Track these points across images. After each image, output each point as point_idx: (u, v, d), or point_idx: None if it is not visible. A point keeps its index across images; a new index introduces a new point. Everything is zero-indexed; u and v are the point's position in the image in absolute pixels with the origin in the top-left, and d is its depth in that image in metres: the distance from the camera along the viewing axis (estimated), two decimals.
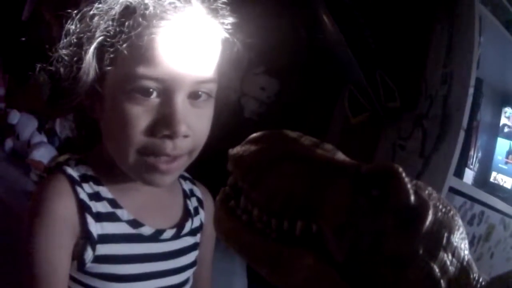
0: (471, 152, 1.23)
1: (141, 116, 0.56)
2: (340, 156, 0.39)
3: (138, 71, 0.55)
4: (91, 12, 0.57)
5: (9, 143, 1.41)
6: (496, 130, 1.43)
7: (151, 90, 0.56)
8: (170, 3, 0.57)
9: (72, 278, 0.61)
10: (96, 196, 0.62)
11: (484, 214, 1.28)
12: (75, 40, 0.58)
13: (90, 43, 0.56)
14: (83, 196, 0.60)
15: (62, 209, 0.59)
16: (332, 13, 1.11)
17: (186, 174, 0.76)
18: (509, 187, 1.42)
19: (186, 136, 0.59)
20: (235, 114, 1.20)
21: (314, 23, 1.11)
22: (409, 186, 0.35)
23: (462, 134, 1.10)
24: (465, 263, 0.36)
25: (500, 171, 1.42)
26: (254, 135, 0.41)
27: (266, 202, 0.37)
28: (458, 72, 1.14)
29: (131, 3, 0.56)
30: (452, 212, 0.37)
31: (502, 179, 1.42)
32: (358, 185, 0.35)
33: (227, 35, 0.62)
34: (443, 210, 0.36)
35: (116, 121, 0.58)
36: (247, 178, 0.38)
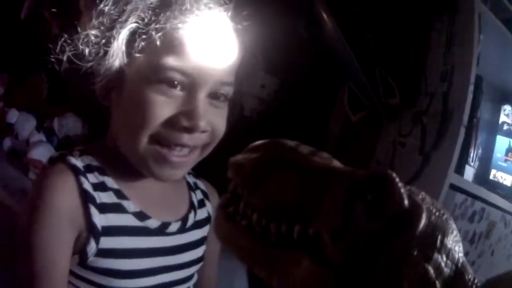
0: (471, 149, 1.23)
1: (163, 105, 0.57)
2: (336, 163, 0.41)
3: (168, 62, 0.57)
4: None
5: (7, 142, 1.40)
6: (495, 128, 1.43)
7: (176, 82, 0.58)
8: (205, 4, 0.59)
9: (73, 274, 0.59)
10: (101, 186, 0.61)
11: (484, 211, 1.27)
12: (107, 22, 0.58)
13: (123, 27, 0.57)
14: (87, 186, 0.59)
15: (62, 202, 0.57)
16: (331, 10, 1.11)
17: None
18: (509, 184, 1.42)
19: (203, 132, 0.60)
20: (236, 112, 1.19)
21: (314, 20, 1.11)
22: (402, 190, 0.36)
23: (462, 131, 1.10)
24: (459, 264, 0.37)
25: (500, 168, 1.42)
26: (254, 144, 0.43)
27: (265, 206, 0.39)
28: (458, 69, 1.14)
29: None
30: (445, 216, 0.38)
31: (501, 177, 1.41)
32: (353, 191, 0.37)
33: (246, 42, 0.64)
34: (437, 213, 0.38)
35: (136, 108, 0.58)
36: (247, 184, 0.40)
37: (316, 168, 0.39)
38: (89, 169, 0.61)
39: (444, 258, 0.36)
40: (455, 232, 0.38)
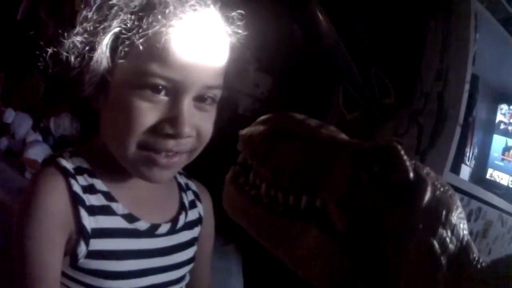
0: (467, 148, 1.22)
1: (147, 111, 0.56)
2: (343, 136, 0.41)
3: (151, 68, 0.55)
4: (111, 2, 0.57)
5: (4, 142, 1.40)
6: (492, 127, 1.43)
7: (160, 87, 0.56)
8: (190, 6, 0.57)
9: (65, 275, 0.59)
10: (90, 189, 0.60)
11: (481, 210, 1.27)
12: (91, 28, 0.57)
13: (106, 33, 0.56)
14: (77, 188, 0.59)
15: (54, 205, 0.57)
16: (326, 10, 1.10)
17: (181, 170, 0.76)
18: (505, 183, 1.42)
19: (188, 137, 0.59)
20: (230, 111, 1.19)
21: (308, 19, 1.11)
22: (408, 163, 0.36)
23: (458, 130, 1.10)
24: (464, 242, 0.36)
25: (497, 168, 1.42)
26: (263, 117, 0.43)
27: (273, 177, 0.40)
28: (454, 68, 1.14)
29: None
30: (450, 192, 0.38)
31: (498, 176, 1.41)
32: (360, 162, 0.37)
33: (236, 44, 0.63)
34: (441, 189, 0.37)
35: (121, 114, 0.57)
36: (256, 155, 0.41)
37: (323, 139, 0.40)
38: (78, 171, 0.61)
39: (449, 234, 0.35)
40: (459, 209, 0.37)
